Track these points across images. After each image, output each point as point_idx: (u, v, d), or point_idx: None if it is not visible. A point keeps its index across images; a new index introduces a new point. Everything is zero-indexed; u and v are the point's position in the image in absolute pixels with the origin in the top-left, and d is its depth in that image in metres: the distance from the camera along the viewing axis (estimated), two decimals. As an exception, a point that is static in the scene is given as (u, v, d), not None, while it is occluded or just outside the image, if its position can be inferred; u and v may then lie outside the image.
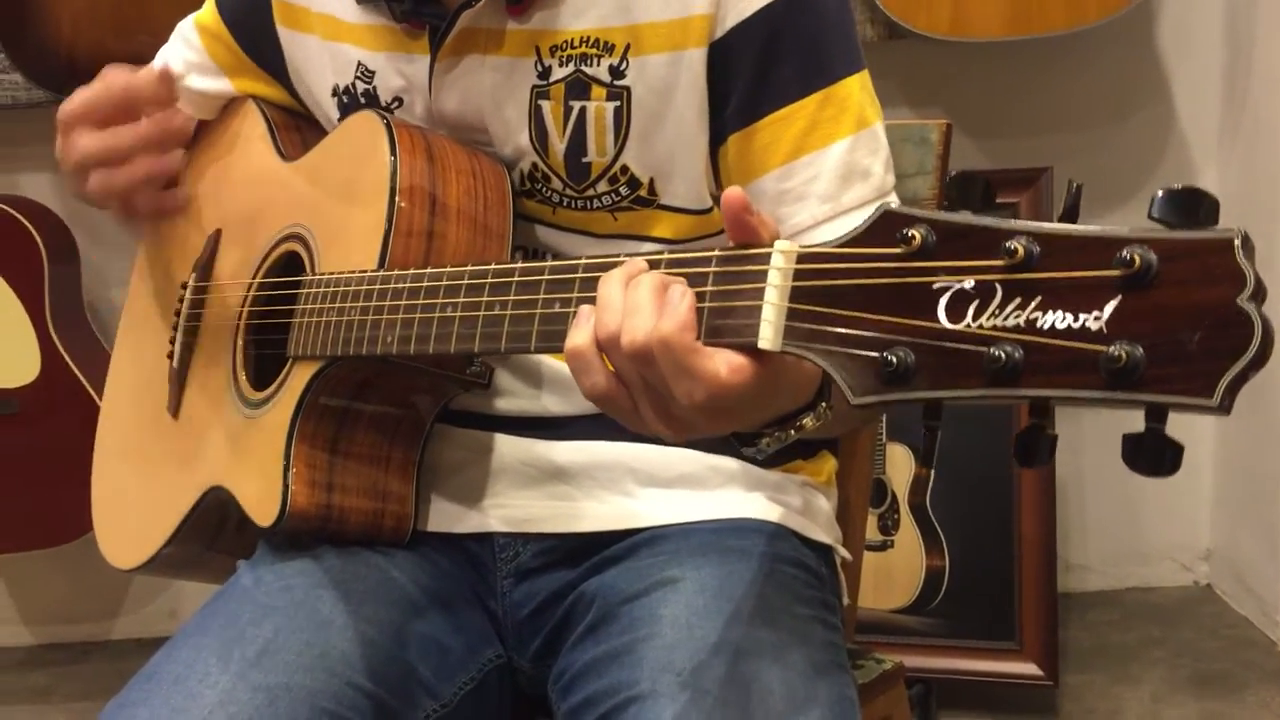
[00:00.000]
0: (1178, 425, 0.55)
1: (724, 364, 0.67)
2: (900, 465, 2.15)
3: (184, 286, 1.16)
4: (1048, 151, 2.27)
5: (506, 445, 1.03)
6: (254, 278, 1.07)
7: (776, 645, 0.88)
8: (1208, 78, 2.33)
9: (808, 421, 0.74)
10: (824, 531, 1.05)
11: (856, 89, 0.95)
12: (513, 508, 1.02)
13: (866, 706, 1.10)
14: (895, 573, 2.13)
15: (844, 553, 1.08)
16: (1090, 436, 2.21)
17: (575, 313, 0.73)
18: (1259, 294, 0.52)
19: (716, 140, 0.96)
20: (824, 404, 0.73)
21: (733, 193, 0.69)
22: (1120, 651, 2.25)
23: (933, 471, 2.11)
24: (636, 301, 0.68)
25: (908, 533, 2.14)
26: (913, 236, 0.60)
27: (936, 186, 1.17)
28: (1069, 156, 2.27)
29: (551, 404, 1.02)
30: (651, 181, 0.97)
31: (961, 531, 2.13)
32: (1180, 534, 2.47)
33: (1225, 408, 0.52)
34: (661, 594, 0.92)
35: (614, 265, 0.73)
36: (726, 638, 0.87)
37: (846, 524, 1.13)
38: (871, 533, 2.13)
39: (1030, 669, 2.06)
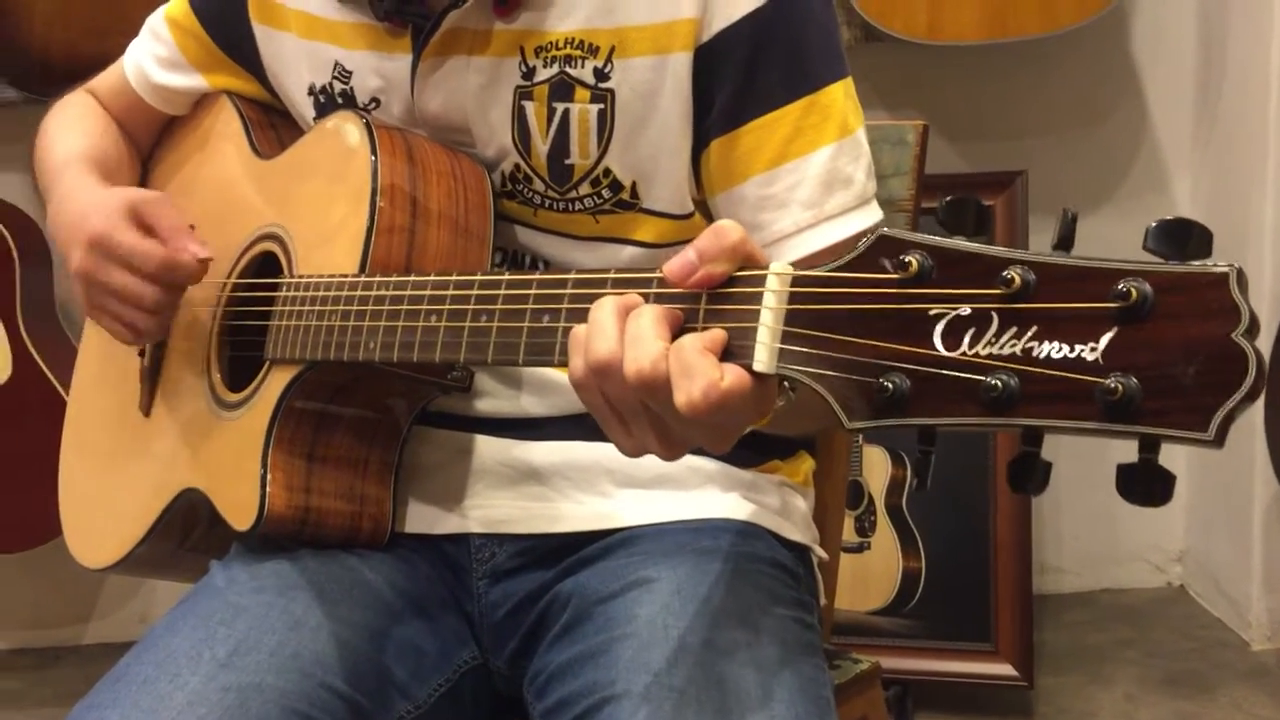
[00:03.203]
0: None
1: (727, 370, 0.66)
2: (877, 467, 2.15)
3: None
4: (1022, 154, 2.28)
5: (485, 446, 1.02)
6: (229, 277, 1.07)
7: (752, 644, 0.88)
8: (1180, 82, 2.35)
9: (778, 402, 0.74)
10: (800, 531, 1.05)
11: (840, 96, 0.95)
12: (490, 509, 1.02)
13: (843, 707, 1.11)
14: (872, 574, 2.14)
15: (820, 553, 1.08)
16: (1065, 440, 2.22)
17: (563, 329, 0.73)
18: (1253, 329, 0.53)
19: (699, 145, 0.96)
20: (788, 385, 0.72)
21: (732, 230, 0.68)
22: (1094, 653, 2.26)
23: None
24: (639, 331, 0.67)
25: (884, 534, 2.15)
26: (909, 263, 0.61)
27: (914, 187, 1.17)
28: (1043, 160, 2.28)
29: (530, 405, 1.02)
30: (634, 185, 0.97)
31: (937, 533, 2.13)
32: (1153, 536, 2.48)
33: (1220, 441, 0.53)
34: (637, 594, 0.92)
35: (602, 279, 0.73)
36: (702, 637, 0.87)
37: (823, 524, 1.13)
38: (848, 534, 2.14)
39: (1006, 670, 2.07)
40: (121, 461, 1.15)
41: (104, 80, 1.22)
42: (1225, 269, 0.54)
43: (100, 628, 2.49)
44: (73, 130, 1.17)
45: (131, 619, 2.47)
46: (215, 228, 1.12)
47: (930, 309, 0.60)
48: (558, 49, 0.95)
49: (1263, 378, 0.53)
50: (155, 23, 1.17)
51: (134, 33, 1.19)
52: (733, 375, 0.65)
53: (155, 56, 1.16)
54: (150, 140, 1.23)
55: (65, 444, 1.25)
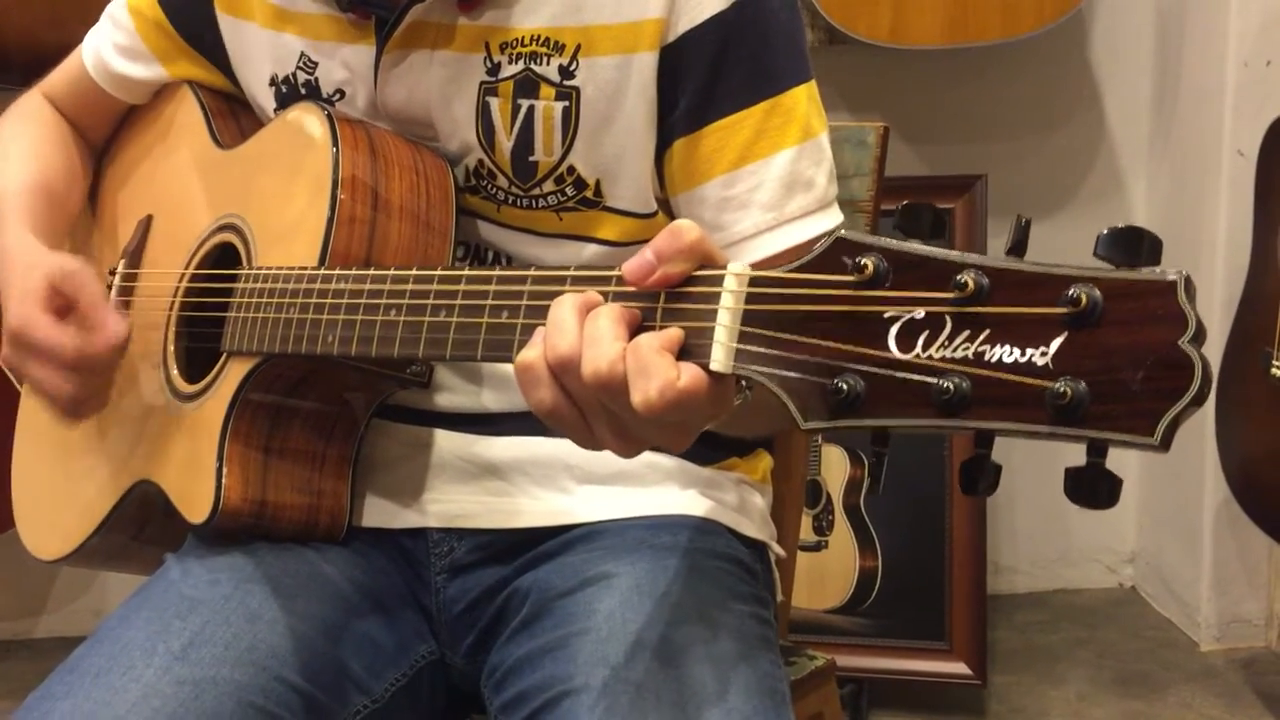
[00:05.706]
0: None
1: (684, 369, 0.66)
2: (835, 467, 2.17)
3: (112, 273, 1.14)
4: (982, 158, 2.30)
5: (444, 441, 1.02)
6: (186, 268, 1.06)
7: (709, 640, 0.88)
8: (1138, 88, 2.38)
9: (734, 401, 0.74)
10: (758, 528, 1.05)
11: (803, 99, 0.96)
12: (448, 503, 1.02)
13: (798, 703, 1.11)
14: (829, 573, 2.15)
15: (778, 549, 1.09)
16: (1019, 442, 2.24)
17: (522, 325, 0.73)
18: (1199, 336, 0.54)
19: (663, 144, 0.96)
20: (744, 384, 0.73)
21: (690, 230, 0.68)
22: (1047, 652, 2.29)
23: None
24: (597, 331, 0.67)
25: (842, 534, 2.16)
26: (865, 265, 0.61)
27: (874, 188, 1.18)
28: (1003, 164, 2.30)
29: (490, 400, 1.02)
30: (598, 183, 0.97)
31: (894, 533, 2.15)
32: (1106, 537, 2.51)
33: (1165, 445, 0.54)
34: (596, 589, 0.92)
35: (561, 276, 0.73)
36: (660, 633, 0.88)
37: (781, 522, 1.14)
38: (806, 533, 2.15)
39: (960, 669, 2.09)
40: (76, 452, 1.14)
41: (60, 73, 1.20)
42: (1173, 277, 0.54)
43: (53, 621, 2.46)
44: (20, 148, 1.15)
45: (85, 613, 2.44)
46: (174, 217, 1.11)
47: (885, 311, 0.60)
48: (523, 45, 0.95)
49: (1208, 384, 0.54)
50: (116, 11, 1.15)
51: (93, 21, 1.17)
52: (689, 374, 0.65)
53: (116, 45, 1.15)
54: (108, 130, 1.21)
55: (19, 434, 1.24)
